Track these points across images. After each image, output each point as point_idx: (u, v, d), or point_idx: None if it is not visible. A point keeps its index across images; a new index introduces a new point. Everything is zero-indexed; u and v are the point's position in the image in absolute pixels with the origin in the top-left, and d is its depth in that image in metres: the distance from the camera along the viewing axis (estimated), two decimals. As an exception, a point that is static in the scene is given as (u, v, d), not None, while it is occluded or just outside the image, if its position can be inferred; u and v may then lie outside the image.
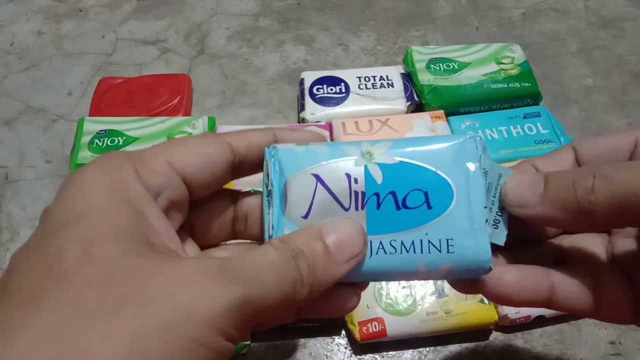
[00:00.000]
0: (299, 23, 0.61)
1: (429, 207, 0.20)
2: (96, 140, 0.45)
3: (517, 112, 0.49)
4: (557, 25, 0.61)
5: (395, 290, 0.37)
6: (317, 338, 0.38)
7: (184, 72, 0.55)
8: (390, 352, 0.37)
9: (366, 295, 0.37)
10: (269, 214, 0.21)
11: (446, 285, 0.37)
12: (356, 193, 0.21)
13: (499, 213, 0.22)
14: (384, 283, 0.37)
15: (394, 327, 0.36)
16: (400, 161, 0.21)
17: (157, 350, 0.15)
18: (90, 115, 0.49)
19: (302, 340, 0.38)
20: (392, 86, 0.50)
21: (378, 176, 0.21)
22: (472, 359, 0.37)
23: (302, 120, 0.49)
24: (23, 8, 0.62)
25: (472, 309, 0.37)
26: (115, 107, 0.50)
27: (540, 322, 0.38)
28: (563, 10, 0.62)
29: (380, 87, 0.51)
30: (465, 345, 0.38)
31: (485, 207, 0.20)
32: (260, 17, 0.62)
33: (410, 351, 0.37)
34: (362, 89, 0.50)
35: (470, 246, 0.20)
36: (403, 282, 0.37)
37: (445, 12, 0.62)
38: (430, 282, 0.37)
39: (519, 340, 0.38)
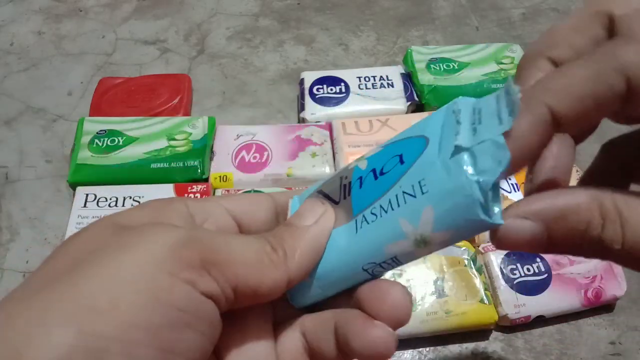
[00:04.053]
0: (299, 23, 0.61)
1: (402, 163, 0.18)
2: (96, 140, 0.45)
3: (517, 112, 0.49)
4: (557, 25, 0.61)
5: (395, 290, 0.37)
6: (317, 338, 0.38)
7: (184, 72, 0.55)
8: (390, 352, 0.37)
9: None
10: None
11: (446, 285, 0.37)
12: (344, 186, 0.21)
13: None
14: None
15: (394, 327, 0.36)
16: (386, 146, 0.20)
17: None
18: (90, 115, 0.49)
19: (302, 340, 0.38)
20: (392, 86, 0.50)
21: (363, 165, 0.20)
22: (472, 359, 0.37)
23: (302, 120, 0.49)
24: (23, 8, 0.62)
25: (472, 309, 0.37)
26: (115, 107, 0.50)
27: (540, 322, 0.38)
28: (563, 10, 0.62)
29: (380, 87, 0.50)
30: (465, 345, 0.38)
31: (457, 134, 0.17)
32: (260, 17, 0.62)
33: (410, 351, 0.37)
34: (362, 89, 0.50)
35: (442, 175, 0.17)
36: (403, 282, 0.37)
37: (445, 12, 0.62)
38: (430, 281, 0.37)
39: (519, 340, 0.38)
